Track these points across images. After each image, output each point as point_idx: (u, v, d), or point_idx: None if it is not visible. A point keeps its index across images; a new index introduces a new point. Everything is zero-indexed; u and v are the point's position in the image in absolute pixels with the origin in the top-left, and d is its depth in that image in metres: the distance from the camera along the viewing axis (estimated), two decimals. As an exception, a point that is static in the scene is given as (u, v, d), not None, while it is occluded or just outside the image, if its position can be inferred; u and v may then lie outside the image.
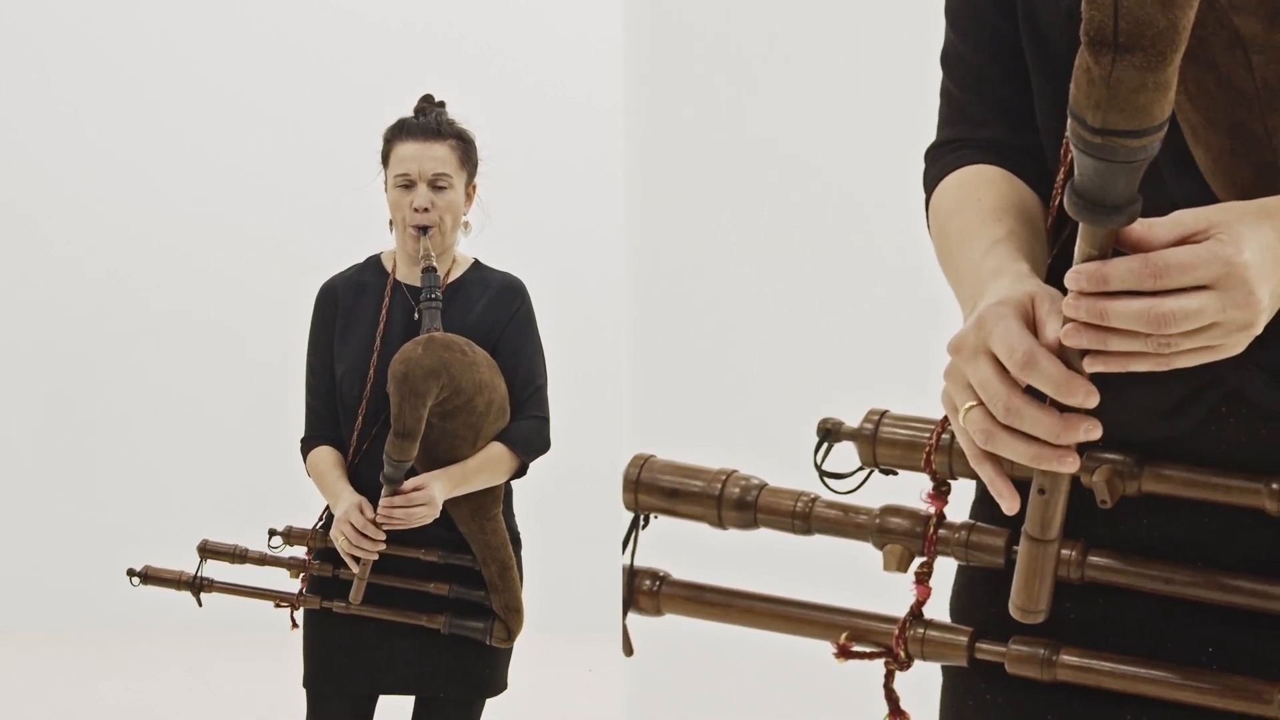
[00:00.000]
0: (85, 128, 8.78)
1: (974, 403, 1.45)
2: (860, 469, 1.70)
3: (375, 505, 3.39)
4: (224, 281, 8.67)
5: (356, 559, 3.42)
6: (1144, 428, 1.61)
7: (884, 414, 1.70)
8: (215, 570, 3.65)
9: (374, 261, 3.67)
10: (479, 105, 8.62)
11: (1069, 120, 1.30)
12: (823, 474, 1.70)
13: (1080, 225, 1.35)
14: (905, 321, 4.79)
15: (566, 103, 8.83)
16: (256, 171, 8.73)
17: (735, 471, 1.75)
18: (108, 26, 8.77)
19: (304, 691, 3.61)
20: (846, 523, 1.70)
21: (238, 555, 3.61)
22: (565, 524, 8.71)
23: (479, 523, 3.47)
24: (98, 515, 8.65)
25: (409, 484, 3.35)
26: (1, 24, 8.78)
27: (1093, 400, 1.39)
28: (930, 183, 1.77)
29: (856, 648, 1.68)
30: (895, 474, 1.70)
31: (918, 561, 1.67)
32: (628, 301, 6.20)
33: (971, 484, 1.72)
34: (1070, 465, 1.42)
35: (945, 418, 1.68)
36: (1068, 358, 1.39)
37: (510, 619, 3.48)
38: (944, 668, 1.77)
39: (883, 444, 1.69)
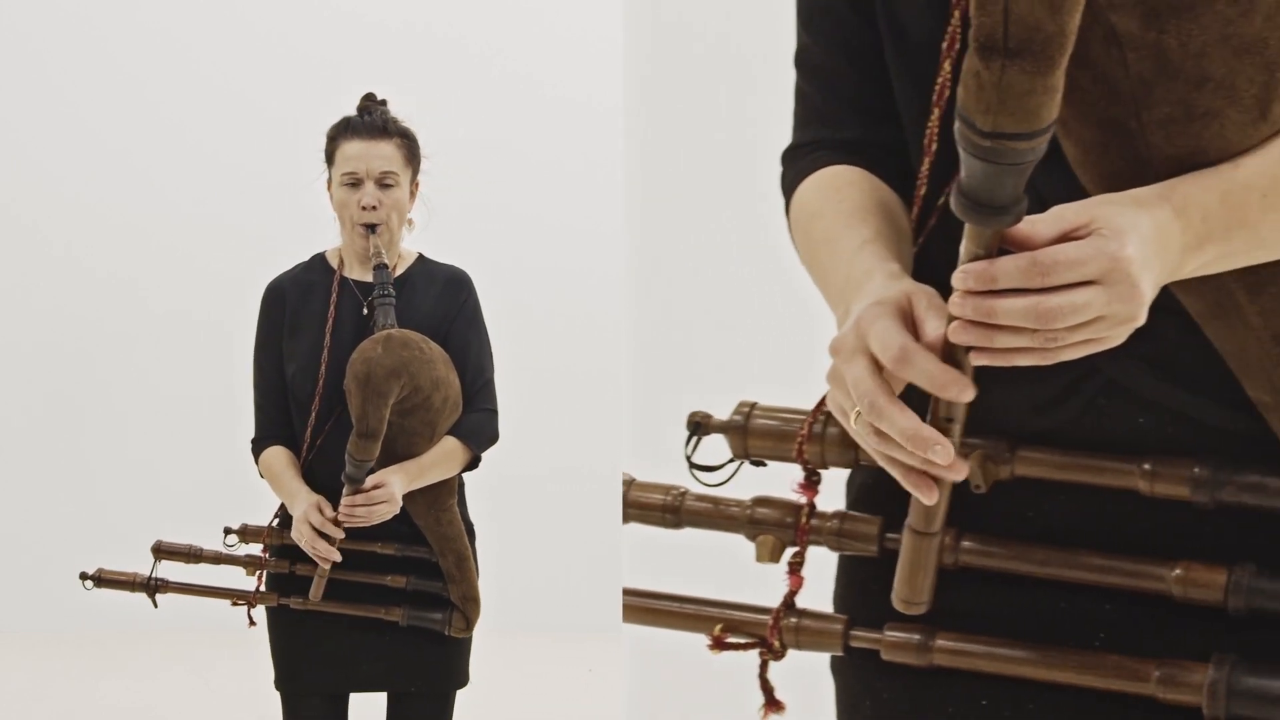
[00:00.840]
0: (85, 128, 8.80)
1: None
2: (730, 461, 1.70)
3: (333, 502, 3.43)
4: (224, 281, 8.68)
5: (321, 557, 3.44)
6: (1023, 420, 1.63)
7: (754, 406, 1.70)
8: (171, 571, 3.67)
9: (319, 260, 3.69)
10: (479, 105, 8.68)
11: (956, 123, 1.31)
12: (692, 466, 1.70)
13: (966, 225, 1.37)
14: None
15: (566, 103, 8.83)
16: (256, 171, 8.74)
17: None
18: (108, 26, 8.79)
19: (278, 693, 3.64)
20: (718, 515, 1.70)
21: (192, 555, 3.62)
22: (565, 524, 8.72)
23: (435, 515, 3.51)
24: (98, 515, 8.67)
25: (369, 481, 3.38)
26: (1, 24, 8.81)
27: (967, 394, 1.41)
28: (789, 186, 1.77)
29: (731, 639, 1.68)
30: (764, 465, 1.70)
31: (790, 552, 1.68)
32: (627, 301, 6.20)
33: (843, 474, 1.72)
34: (958, 472, 1.44)
35: (817, 407, 1.68)
36: (953, 354, 1.41)
37: (468, 609, 3.51)
38: (832, 663, 1.77)
39: (753, 435, 1.69)
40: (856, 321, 1.45)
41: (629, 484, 1.74)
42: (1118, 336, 1.40)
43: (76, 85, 8.80)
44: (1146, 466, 1.57)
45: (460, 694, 3.63)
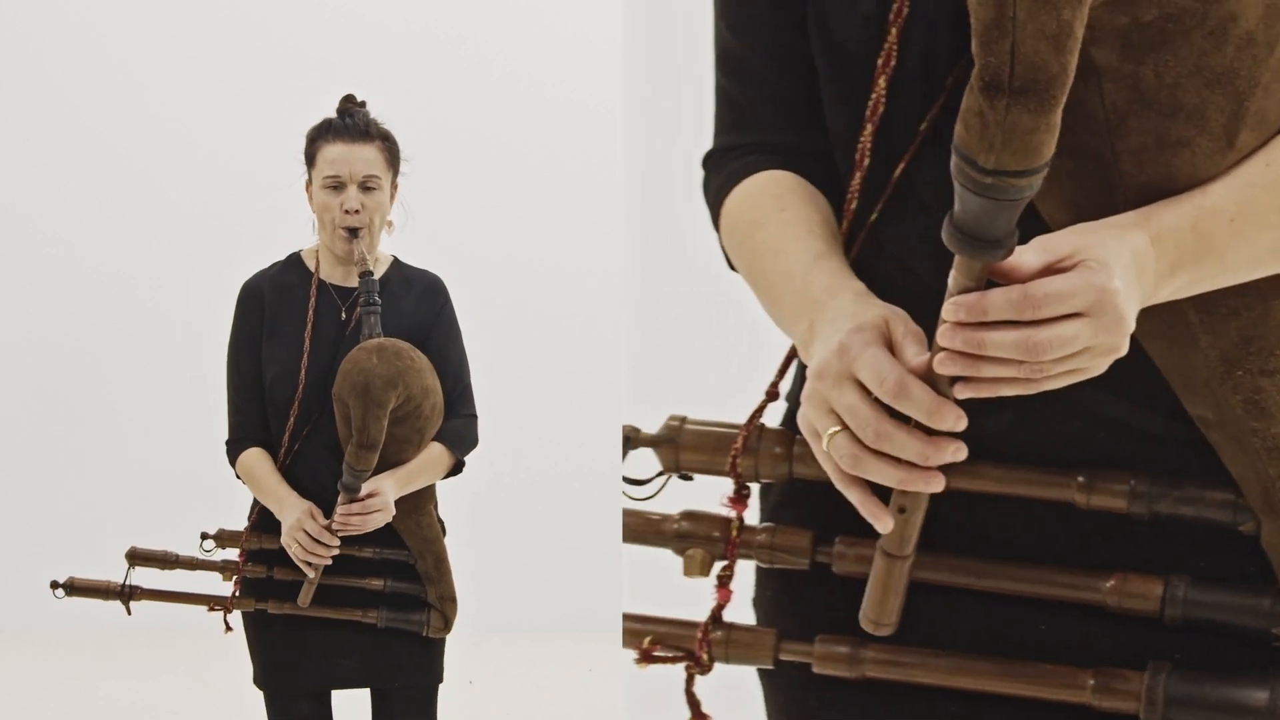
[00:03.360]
0: (85, 127, 8.80)
1: (838, 428, 1.48)
2: (660, 474, 1.70)
3: (320, 508, 3.43)
4: (224, 281, 8.68)
5: (310, 564, 3.44)
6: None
7: (684, 419, 1.70)
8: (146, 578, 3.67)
9: (295, 260, 3.68)
10: (479, 105, 8.67)
11: (954, 159, 1.34)
12: (625, 480, 1.70)
13: (956, 257, 1.39)
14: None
15: (566, 103, 8.82)
16: (256, 172, 8.73)
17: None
18: (108, 26, 8.79)
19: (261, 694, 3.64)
20: (647, 530, 1.70)
21: (168, 561, 3.62)
22: (565, 524, 8.71)
23: (415, 518, 3.52)
24: (98, 515, 8.67)
25: (364, 490, 3.38)
26: (1, 24, 8.81)
27: (962, 424, 1.44)
28: (718, 190, 1.76)
29: (658, 652, 1.68)
30: (692, 479, 1.70)
31: (719, 566, 1.67)
32: (627, 301, 6.21)
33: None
34: (936, 485, 1.48)
35: (751, 420, 1.68)
36: (935, 382, 1.43)
37: (446, 608, 3.53)
38: (761, 676, 1.77)
39: (687, 449, 1.69)
40: (841, 347, 1.47)
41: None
42: (1100, 366, 1.42)
43: (76, 85, 8.80)
44: (1081, 479, 1.59)
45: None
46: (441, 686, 3.60)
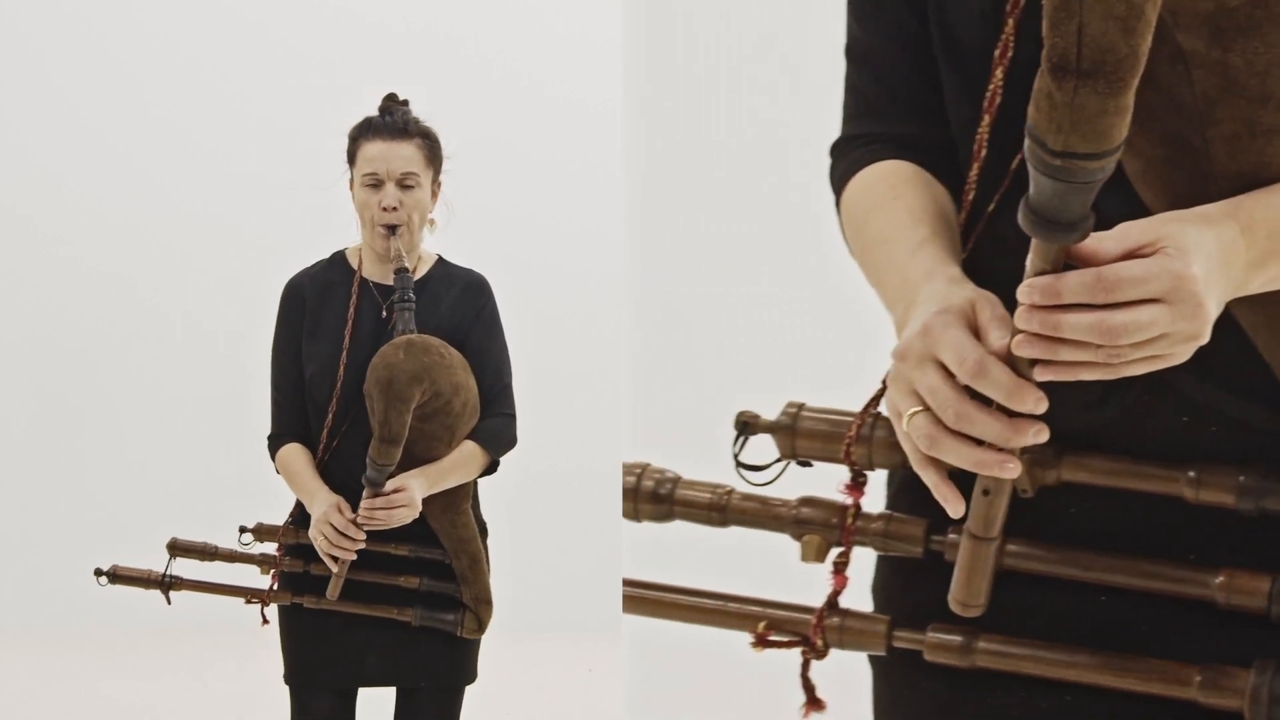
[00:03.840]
0: (85, 128, 8.79)
1: (918, 408, 1.48)
2: (778, 460, 1.71)
3: (351, 503, 3.43)
4: (223, 281, 8.68)
5: (335, 558, 3.44)
6: (1068, 419, 1.63)
7: (802, 406, 1.71)
8: (185, 568, 3.66)
9: (339, 258, 3.68)
10: (479, 105, 8.67)
11: (1026, 141, 1.32)
12: (740, 466, 1.70)
13: (1033, 240, 1.38)
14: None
15: (566, 103, 8.83)
16: (256, 172, 8.74)
17: (649, 465, 1.76)
18: (108, 26, 8.78)
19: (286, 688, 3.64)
20: (764, 514, 1.71)
21: (207, 552, 3.63)
22: (564, 524, 8.72)
23: (450, 517, 3.50)
24: (98, 514, 8.66)
25: (389, 485, 3.38)
26: (1, 24, 8.79)
27: (1042, 406, 1.43)
28: (840, 179, 1.78)
29: (774, 637, 1.68)
30: (811, 465, 1.71)
31: (835, 552, 1.68)
32: (627, 301, 6.21)
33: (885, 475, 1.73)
34: (1012, 471, 1.46)
35: (865, 409, 1.69)
36: (1016, 365, 1.42)
37: (481, 610, 3.51)
38: (871, 659, 1.78)
39: (802, 436, 1.70)
40: (925, 329, 1.47)
41: (674, 480, 1.74)
42: (1182, 354, 1.41)
43: (76, 85, 8.79)
44: (1192, 474, 1.58)
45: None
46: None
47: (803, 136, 5.45)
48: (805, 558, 1.66)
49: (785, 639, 1.68)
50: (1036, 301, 1.37)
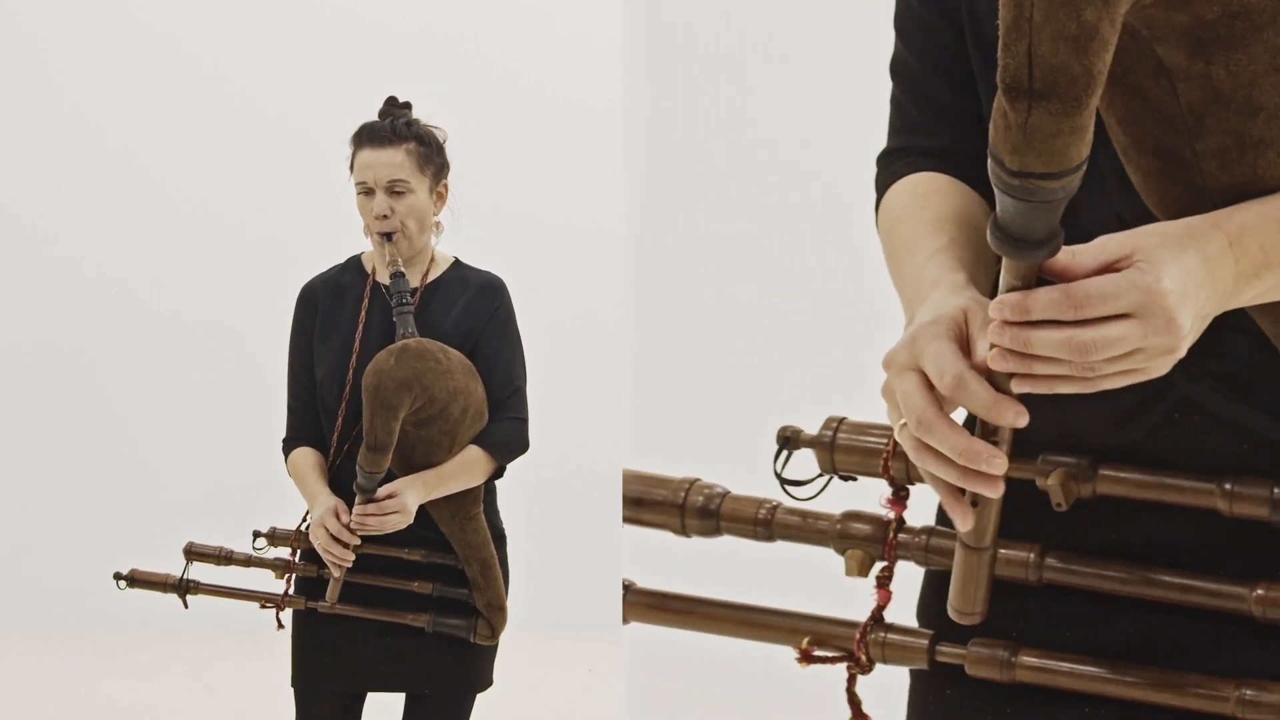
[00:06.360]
0: (85, 128, 8.78)
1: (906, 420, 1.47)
2: (820, 475, 1.72)
3: (352, 508, 3.42)
4: (223, 281, 8.67)
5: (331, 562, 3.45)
6: (1098, 436, 1.64)
7: (842, 421, 1.72)
8: (201, 572, 3.66)
9: (354, 262, 3.68)
10: (479, 105, 8.67)
11: (989, 160, 1.32)
12: (783, 481, 1.71)
13: (1003, 258, 1.38)
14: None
15: (566, 103, 8.82)
16: (256, 172, 8.73)
17: (698, 480, 1.77)
18: (108, 26, 8.76)
19: (292, 691, 3.63)
20: (808, 529, 1.72)
21: (223, 557, 3.62)
22: (564, 524, 8.72)
23: (459, 523, 3.49)
24: (97, 515, 8.66)
25: (382, 491, 3.37)
26: (1, 24, 8.78)
27: (1022, 420, 1.41)
28: (880, 188, 1.79)
29: (818, 652, 1.69)
30: (854, 480, 1.72)
31: (879, 566, 1.69)
32: (627, 301, 6.21)
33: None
34: (988, 489, 1.44)
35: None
36: (995, 378, 1.42)
37: (493, 616, 3.50)
38: (911, 671, 1.79)
39: (841, 451, 1.71)
40: (912, 338, 1.46)
41: (722, 495, 1.75)
42: (1158, 368, 1.40)
43: (76, 85, 8.78)
44: (1227, 486, 1.58)
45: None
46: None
47: (803, 137, 5.49)
48: (849, 572, 1.67)
49: (830, 654, 1.69)
50: (1007, 318, 1.37)
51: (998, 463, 1.41)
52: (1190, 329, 1.39)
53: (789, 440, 1.71)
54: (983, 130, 1.69)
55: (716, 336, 5.89)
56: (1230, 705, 1.58)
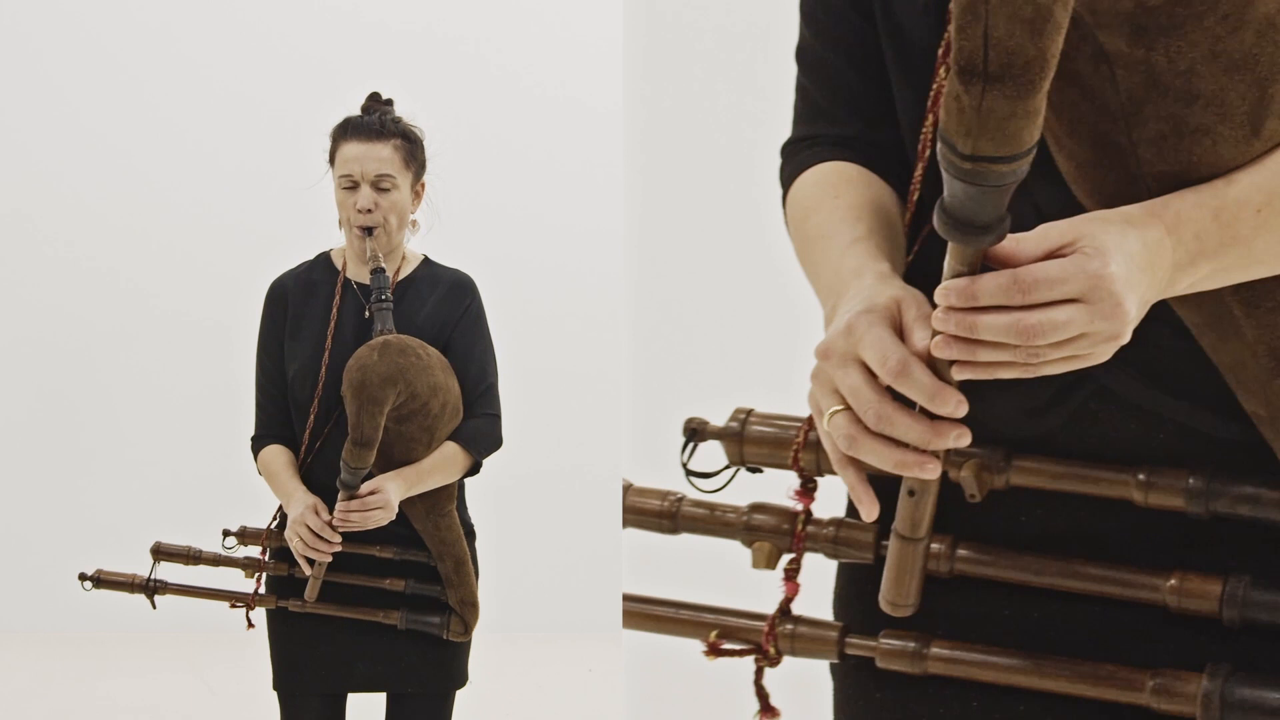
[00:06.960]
0: (85, 128, 8.79)
1: (839, 407, 1.47)
2: (727, 467, 1.71)
3: (329, 505, 3.41)
4: (223, 281, 8.67)
5: (311, 560, 3.43)
6: (1014, 426, 1.63)
7: (750, 412, 1.70)
8: (172, 572, 3.66)
9: (324, 259, 3.67)
10: (479, 105, 8.67)
11: (939, 145, 1.32)
12: (689, 473, 1.70)
13: (949, 243, 1.37)
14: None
15: (566, 103, 8.82)
16: (256, 171, 8.73)
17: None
18: (107, 26, 8.78)
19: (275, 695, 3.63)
20: (714, 521, 1.71)
21: (191, 556, 3.61)
22: (564, 524, 8.72)
23: (433, 520, 3.48)
24: (97, 515, 8.66)
25: (365, 487, 3.36)
26: (1, 24, 8.80)
27: (962, 410, 1.42)
28: (787, 179, 1.78)
29: (727, 645, 1.68)
30: (761, 472, 1.71)
31: (786, 558, 1.68)
32: (627, 301, 6.20)
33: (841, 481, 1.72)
34: (932, 472, 1.45)
35: (812, 416, 1.69)
36: (936, 366, 1.42)
37: (466, 613, 3.49)
38: (831, 668, 1.78)
39: (750, 442, 1.70)
40: (848, 327, 1.46)
41: (627, 489, 1.74)
42: (1102, 353, 1.40)
43: (76, 85, 8.79)
44: (1141, 477, 1.58)
45: (460, 694, 3.62)
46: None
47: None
48: (756, 564, 1.66)
49: (738, 647, 1.68)
50: (953, 304, 1.37)
51: (960, 436, 1.43)
52: (1135, 314, 1.39)
53: (695, 432, 1.70)
54: (893, 118, 1.69)
55: (717, 336, 5.87)
56: (1145, 695, 1.57)
